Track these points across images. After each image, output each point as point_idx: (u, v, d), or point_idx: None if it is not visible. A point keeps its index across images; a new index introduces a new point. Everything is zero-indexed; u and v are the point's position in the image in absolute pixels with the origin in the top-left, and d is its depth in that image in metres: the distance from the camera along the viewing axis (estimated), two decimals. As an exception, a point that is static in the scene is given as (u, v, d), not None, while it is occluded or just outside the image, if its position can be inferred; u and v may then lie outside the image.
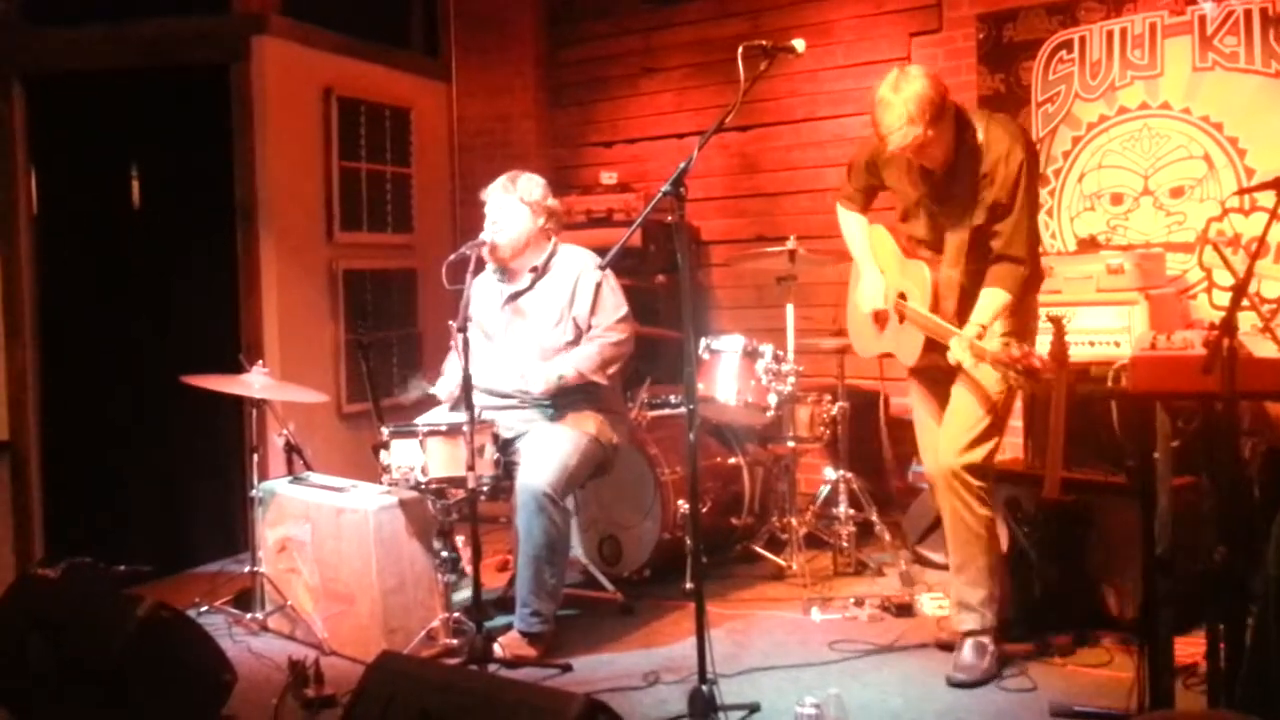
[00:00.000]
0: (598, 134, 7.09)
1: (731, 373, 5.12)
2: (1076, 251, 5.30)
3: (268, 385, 4.69)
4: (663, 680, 3.94)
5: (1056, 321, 4.16)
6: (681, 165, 3.46)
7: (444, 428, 4.15)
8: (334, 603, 4.35)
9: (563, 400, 4.37)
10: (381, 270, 6.65)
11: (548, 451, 4.25)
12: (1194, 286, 5.12)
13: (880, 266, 4.11)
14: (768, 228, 6.34)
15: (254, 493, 4.69)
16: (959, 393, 3.89)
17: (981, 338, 3.60)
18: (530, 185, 4.47)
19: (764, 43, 3.57)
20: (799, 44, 3.58)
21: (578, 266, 4.46)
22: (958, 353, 3.61)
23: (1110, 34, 5.33)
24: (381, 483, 4.29)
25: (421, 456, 4.11)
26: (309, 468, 4.80)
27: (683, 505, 4.92)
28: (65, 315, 6.04)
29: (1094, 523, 4.15)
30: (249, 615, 4.63)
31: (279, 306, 5.97)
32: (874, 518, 5.33)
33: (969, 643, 3.88)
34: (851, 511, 5.27)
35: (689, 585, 4.78)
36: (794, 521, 5.21)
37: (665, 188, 3.46)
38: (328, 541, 4.37)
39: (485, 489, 4.16)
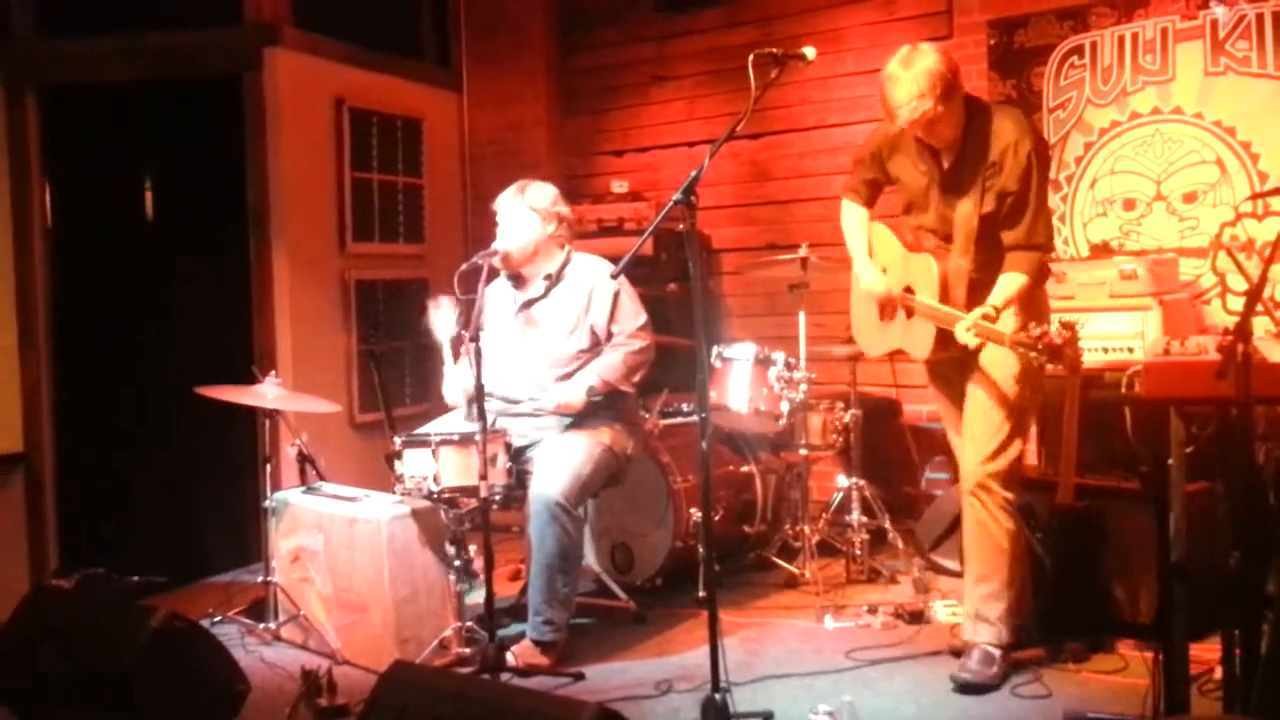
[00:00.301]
0: (609, 143, 7.10)
1: (744, 381, 5.11)
2: (1089, 257, 5.29)
3: (280, 395, 4.70)
4: (676, 689, 3.93)
5: (1070, 327, 4.16)
6: (693, 173, 3.46)
7: (456, 437, 4.16)
8: (347, 612, 4.36)
9: (583, 410, 4.37)
10: (394, 280, 6.66)
11: (561, 460, 4.25)
12: (1207, 292, 5.10)
13: (883, 264, 4.08)
14: (779, 235, 6.33)
15: (267, 503, 4.70)
16: (976, 396, 3.87)
17: (994, 320, 3.57)
18: (539, 192, 4.49)
19: (775, 50, 3.59)
20: (810, 51, 3.59)
21: (593, 275, 4.46)
22: (961, 336, 3.59)
23: (1121, 39, 5.32)
24: (394, 492, 4.29)
25: (434, 466, 4.12)
26: (322, 477, 4.81)
27: (695, 513, 4.91)
28: (79, 326, 6.06)
29: (1108, 529, 4.13)
30: (262, 625, 4.64)
31: (291, 317, 5.98)
32: (887, 525, 5.33)
33: (978, 651, 3.86)
34: (864, 519, 5.26)
35: (702, 593, 4.77)
36: (807, 529, 5.20)
37: (676, 196, 3.46)
38: (341, 551, 4.37)
39: (498, 498, 4.17)
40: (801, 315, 5.25)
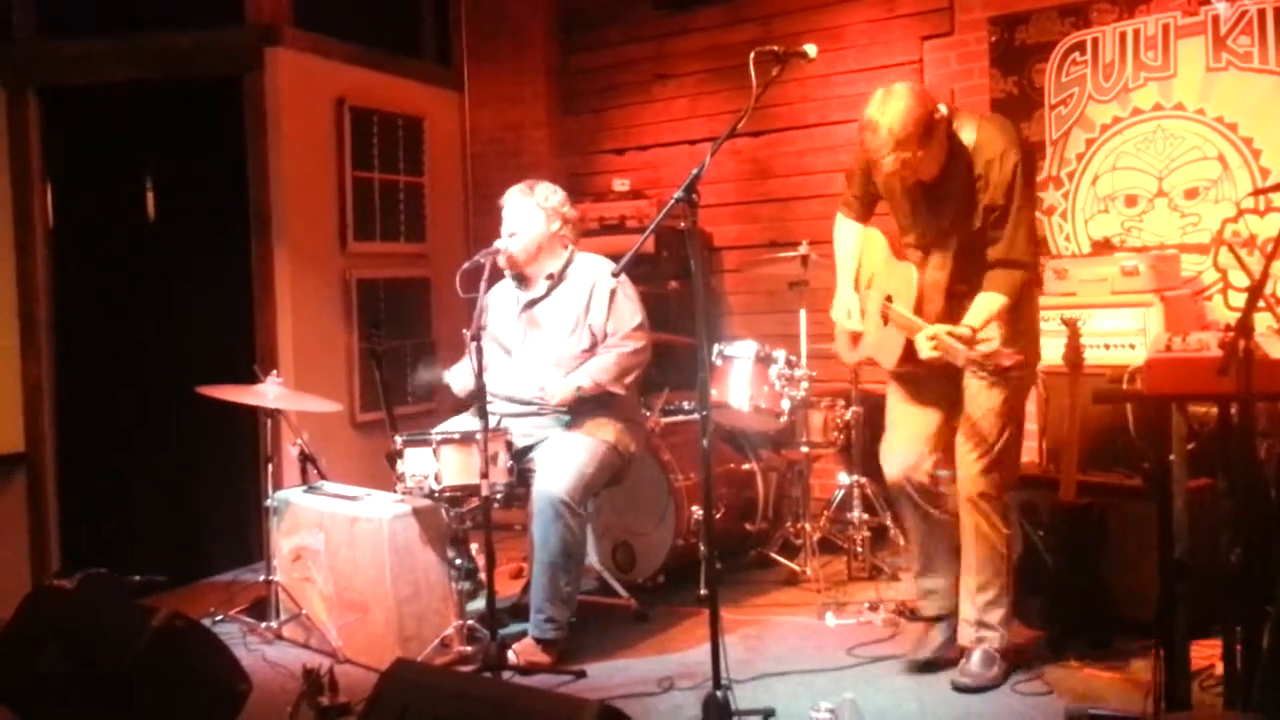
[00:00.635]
0: (610, 141, 7.10)
1: (744, 378, 5.11)
2: (1091, 254, 5.29)
3: (282, 395, 4.70)
4: (677, 686, 3.94)
5: (1071, 325, 4.16)
6: (694, 171, 3.46)
7: (457, 436, 4.16)
8: (348, 611, 4.36)
9: (581, 408, 4.37)
10: (395, 279, 6.66)
11: (565, 459, 4.25)
12: (1209, 288, 5.10)
13: (870, 270, 4.04)
14: (780, 233, 6.33)
15: (268, 502, 4.70)
16: (968, 406, 3.82)
17: (972, 340, 3.48)
18: (547, 191, 4.50)
19: (776, 48, 3.57)
20: (811, 49, 3.58)
21: (594, 274, 4.47)
22: (919, 344, 3.55)
23: (1123, 35, 5.31)
24: (396, 491, 4.30)
25: (435, 465, 4.12)
26: (323, 477, 4.81)
27: (696, 511, 4.91)
28: (80, 326, 6.07)
29: (1110, 526, 4.13)
30: (264, 624, 4.64)
31: (293, 316, 5.99)
32: (888, 522, 5.34)
33: (979, 651, 3.85)
34: (865, 516, 5.26)
35: (703, 591, 4.77)
36: (808, 527, 5.20)
37: (678, 194, 3.46)
38: (342, 550, 4.37)
39: (499, 497, 4.17)
40: (803, 313, 5.25)
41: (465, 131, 7.32)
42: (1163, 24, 5.20)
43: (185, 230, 6.10)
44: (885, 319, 3.91)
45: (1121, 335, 4.61)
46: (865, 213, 4.10)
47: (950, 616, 3.98)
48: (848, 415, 5.26)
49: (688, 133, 6.75)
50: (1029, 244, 3.70)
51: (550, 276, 4.49)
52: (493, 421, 4.11)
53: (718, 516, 5.04)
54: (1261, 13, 4.95)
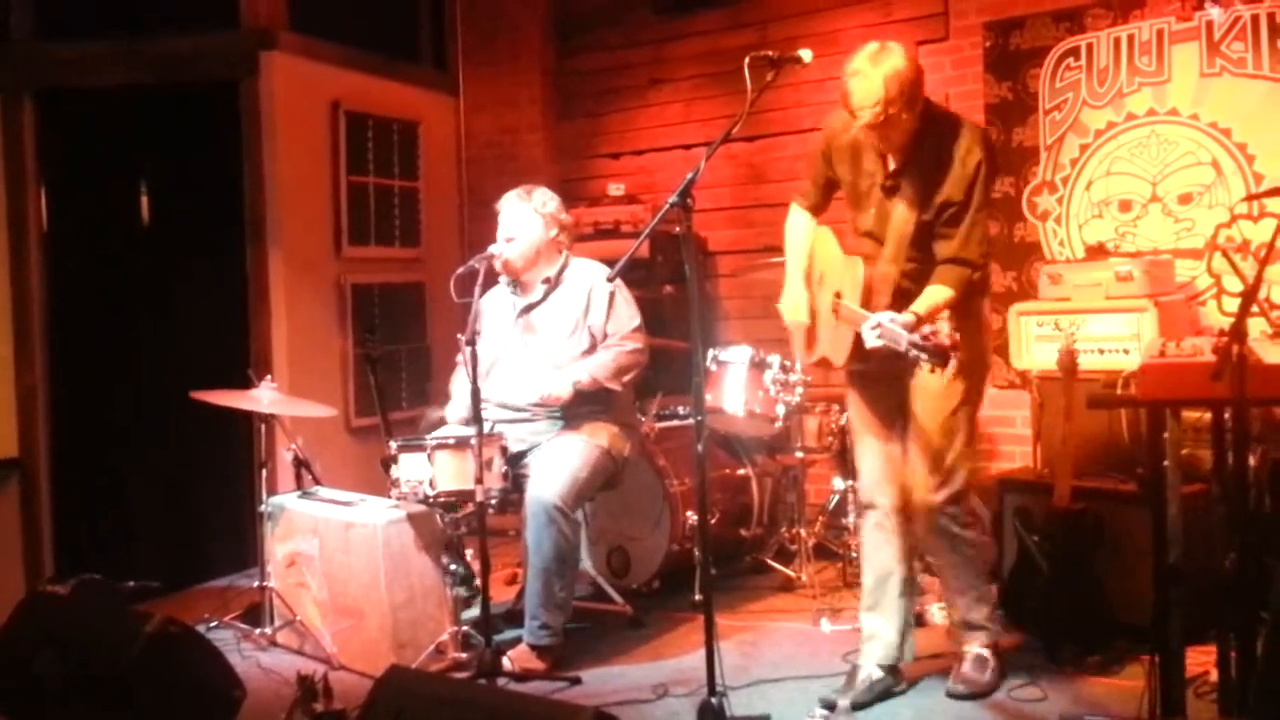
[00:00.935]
0: (605, 145, 7.10)
1: (739, 384, 5.11)
2: (1085, 259, 5.29)
3: (276, 400, 4.69)
4: (672, 693, 3.93)
5: (1067, 348, 4.13)
6: (689, 176, 3.45)
7: (452, 441, 4.15)
8: (343, 617, 4.35)
9: (577, 411, 4.37)
10: (390, 284, 6.66)
11: (558, 463, 4.25)
12: (1203, 293, 5.10)
13: (821, 268, 3.92)
14: (775, 238, 6.20)
15: (263, 507, 4.69)
16: (916, 424, 3.73)
17: (916, 326, 3.33)
18: (545, 197, 4.51)
19: (771, 53, 3.57)
20: (806, 54, 3.56)
21: (590, 278, 4.47)
22: (866, 334, 3.37)
23: (1117, 41, 5.32)
24: (390, 497, 4.29)
25: (430, 470, 4.12)
26: (318, 482, 4.80)
27: (691, 517, 4.91)
28: (75, 330, 6.05)
29: (1104, 531, 4.13)
30: (258, 630, 4.63)
31: (287, 321, 5.98)
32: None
33: (971, 656, 3.83)
34: (860, 521, 5.24)
35: (698, 597, 4.76)
36: (803, 532, 5.20)
37: (673, 199, 3.45)
38: (336, 556, 4.37)
39: (494, 502, 4.16)
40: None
41: (460, 136, 7.31)
42: (1157, 29, 5.21)
43: (180, 234, 6.09)
44: (836, 315, 3.79)
45: (1116, 340, 4.61)
46: (821, 203, 3.98)
47: (886, 674, 3.83)
48: (842, 420, 5.24)
49: (683, 137, 6.75)
50: (981, 245, 3.65)
51: (546, 281, 4.50)
52: (487, 427, 4.10)
53: (712, 522, 5.04)
54: (1255, 18, 4.96)
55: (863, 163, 3.73)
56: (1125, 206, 5.35)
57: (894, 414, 3.82)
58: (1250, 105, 4.99)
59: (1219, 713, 3.26)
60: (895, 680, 3.85)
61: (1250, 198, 4.95)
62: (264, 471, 4.77)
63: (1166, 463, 3.27)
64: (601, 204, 6.63)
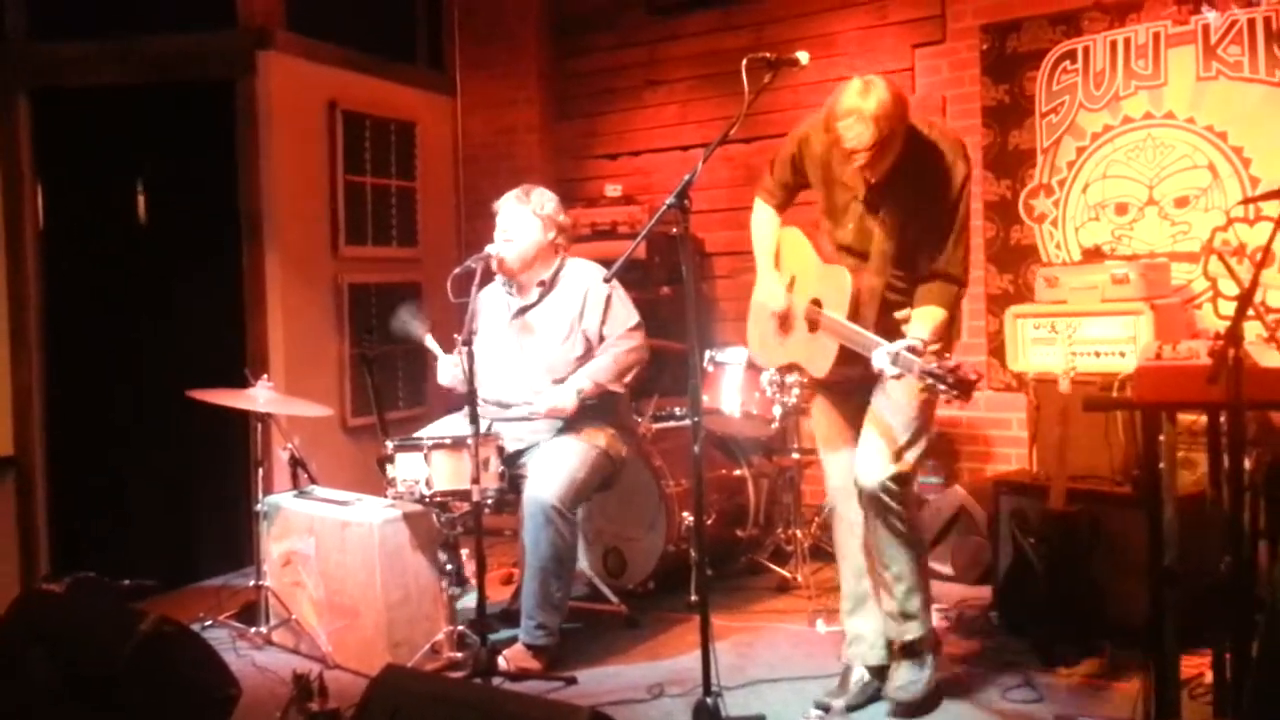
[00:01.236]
0: (602, 146, 7.10)
1: (736, 385, 5.12)
2: (1081, 261, 5.29)
3: (272, 399, 4.69)
4: (667, 693, 3.94)
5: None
6: (686, 177, 3.45)
7: (449, 441, 4.15)
8: (338, 616, 4.35)
9: (575, 413, 4.37)
10: (386, 284, 6.65)
11: (556, 464, 4.25)
12: (1199, 296, 5.11)
13: (793, 271, 3.87)
14: (772, 239, 6.31)
15: (259, 507, 4.69)
16: (877, 405, 3.67)
17: (922, 354, 3.28)
18: (543, 199, 4.50)
19: (768, 55, 3.57)
20: (803, 56, 3.56)
21: (586, 280, 4.47)
22: (881, 363, 3.31)
23: (1114, 44, 5.33)
24: (386, 496, 4.29)
25: (426, 469, 4.11)
26: (314, 481, 4.80)
27: (687, 517, 4.92)
28: (71, 329, 6.05)
29: (1099, 533, 4.14)
30: (253, 629, 4.63)
31: (284, 320, 5.98)
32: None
33: (905, 663, 3.72)
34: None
35: (694, 598, 4.76)
36: (799, 533, 5.21)
37: (670, 200, 3.45)
38: (332, 555, 4.37)
39: (490, 502, 4.16)
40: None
41: (457, 136, 7.31)
42: (1153, 33, 5.22)
43: (177, 234, 6.08)
44: (812, 324, 3.72)
45: (1112, 343, 4.61)
46: (786, 201, 3.96)
47: (874, 676, 3.83)
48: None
49: (680, 139, 6.76)
50: (966, 259, 3.62)
51: (542, 283, 4.49)
52: (483, 426, 4.10)
53: (709, 523, 5.04)
54: (1252, 22, 4.97)
55: (838, 175, 3.67)
56: (1122, 209, 5.35)
57: (860, 417, 3.76)
58: (1247, 109, 5.00)
59: (1214, 715, 3.26)
60: (883, 681, 3.83)
61: (1246, 201, 4.95)
62: (260, 470, 4.77)
63: (1162, 465, 3.27)
64: (598, 205, 6.63)
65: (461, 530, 4.34)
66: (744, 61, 3.52)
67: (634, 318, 4.49)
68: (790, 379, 5.08)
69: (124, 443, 6.04)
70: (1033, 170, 5.56)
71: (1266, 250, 3.18)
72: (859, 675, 3.83)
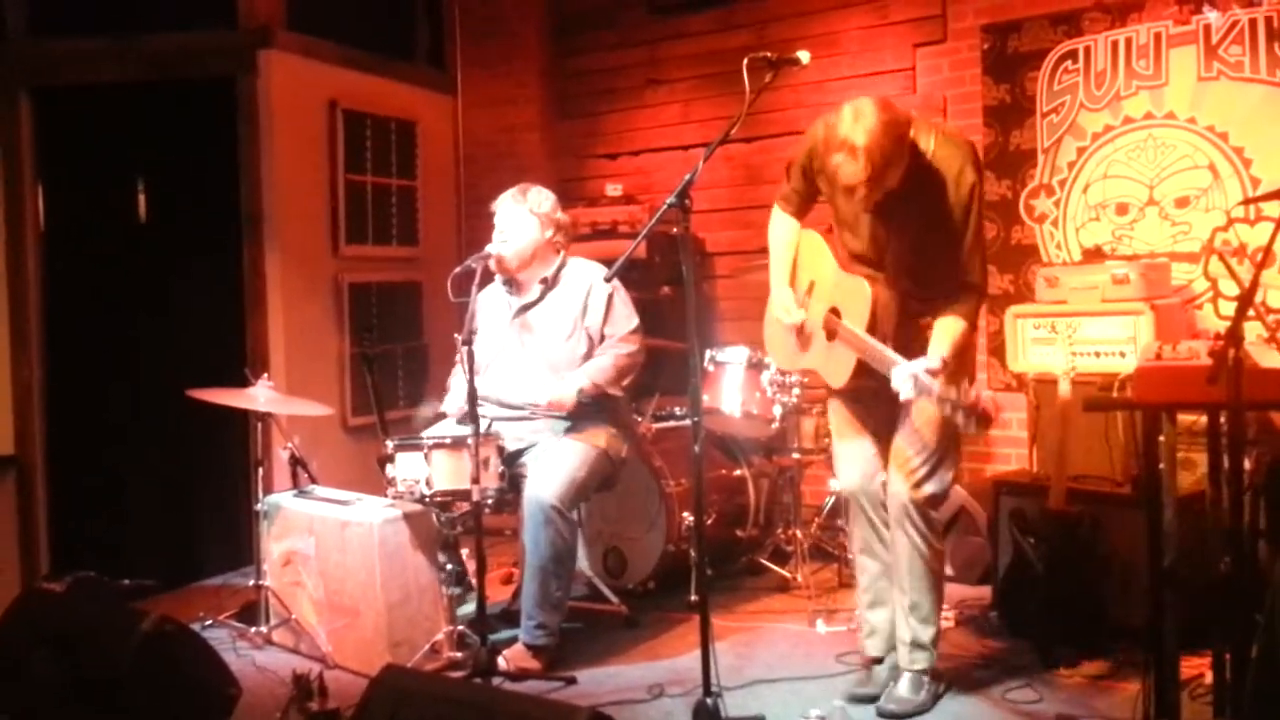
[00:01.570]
0: (603, 146, 7.10)
1: (736, 384, 5.12)
2: (1082, 262, 5.28)
3: (273, 398, 4.69)
4: (667, 693, 3.94)
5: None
6: (687, 177, 3.45)
7: (449, 440, 4.15)
8: (338, 616, 4.35)
9: (574, 412, 4.36)
10: (387, 283, 6.65)
11: (556, 464, 4.25)
12: (1199, 296, 5.11)
13: (812, 277, 3.87)
14: (773, 239, 6.31)
15: (259, 506, 4.69)
16: (904, 420, 3.67)
17: (942, 372, 3.30)
18: (540, 197, 4.49)
19: (769, 54, 3.57)
20: (804, 55, 3.56)
21: (588, 279, 4.47)
22: (899, 383, 3.30)
23: (1115, 44, 5.33)
24: (386, 496, 4.29)
25: (426, 469, 4.11)
26: (314, 481, 4.80)
27: (687, 517, 4.92)
28: (71, 328, 6.04)
29: (1100, 534, 4.14)
30: (253, 629, 4.63)
31: (284, 319, 5.97)
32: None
33: (907, 677, 3.74)
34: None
35: (693, 597, 4.76)
36: (799, 533, 5.21)
37: (670, 199, 3.45)
38: (332, 555, 4.37)
39: (490, 502, 4.16)
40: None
41: (458, 135, 7.31)
42: (1154, 33, 5.22)
43: (177, 232, 6.08)
44: (830, 334, 3.72)
45: (1112, 343, 4.61)
46: (804, 208, 3.96)
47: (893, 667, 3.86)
48: (839, 421, 5.26)
49: (680, 138, 6.75)
50: (983, 265, 3.62)
51: (543, 281, 4.49)
52: (484, 425, 4.10)
53: (709, 523, 5.04)
54: (1253, 22, 4.97)
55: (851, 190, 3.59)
56: (1122, 209, 5.35)
57: (885, 421, 3.76)
58: (1247, 109, 5.00)
59: (1214, 715, 3.26)
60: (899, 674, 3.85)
61: (1247, 201, 4.95)
62: (260, 470, 4.77)
63: (1162, 466, 3.27)
64: (599, 204, 6.63)
65: (461, 530, 4.35)
66: (745, 61, 3.52)
67: (634, 320, 4.49)
68: (792, 379, 5.10)
69: (124, 442, 6.04)
70: (1033, 170, 5.56)
71: (1267, 250, 3.18)
72: (884, 665, 3.87)
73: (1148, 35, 5.24)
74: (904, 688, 3.74)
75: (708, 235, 6.64)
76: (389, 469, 4.18)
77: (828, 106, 6.12)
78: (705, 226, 6.58)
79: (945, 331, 3.49)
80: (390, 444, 4.19)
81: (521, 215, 4.45)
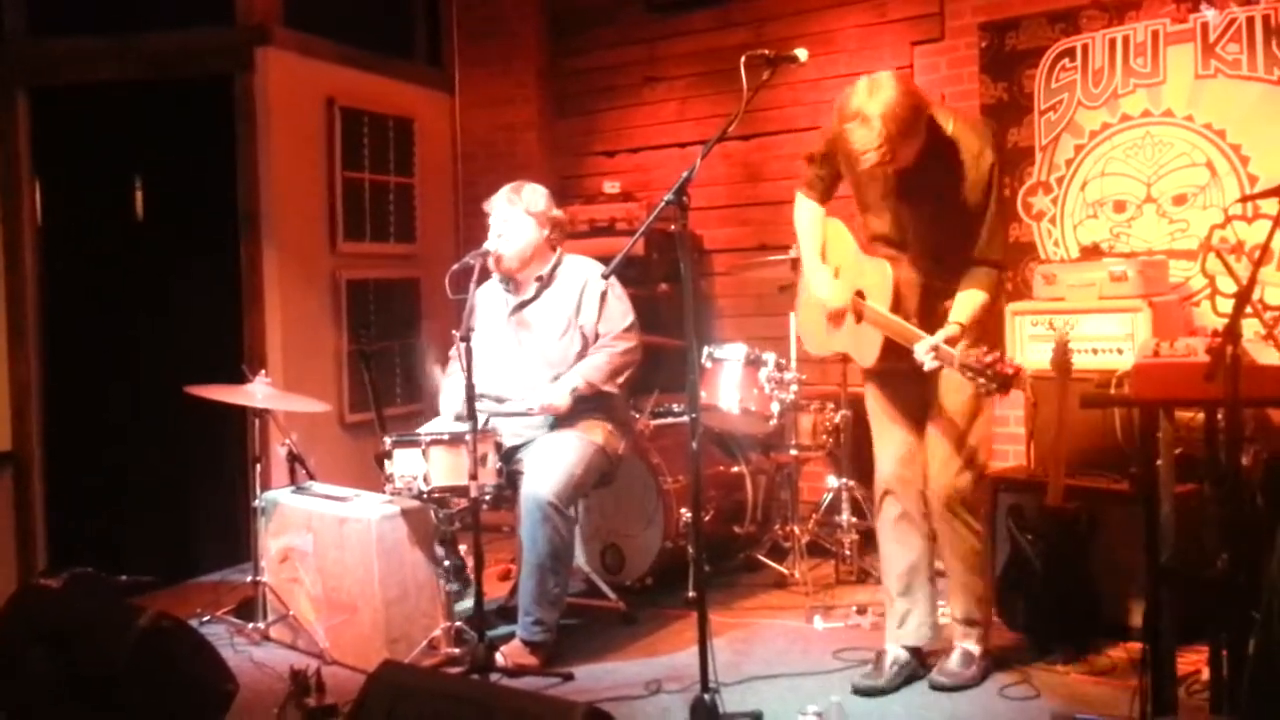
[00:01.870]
0: (601, 143, 7.10)
1: (734, 381, 5.12)
2: (1079, 259, 5.29)
3: (270, 395, 4.69)
4: (665, 689, 3.93)
5: (1061, 343, 4.14)
6: (684, 174, 3.46)
7: (446, 437, 4.15)
8: (336, 612, 4.35)
9: (571, 409, 4.36)
10: (384, 280, 6.65)
11: (553, 460, 4.25)
12: (1197, 294, 5.11)
13: (836, 263, 3.96)
14: (770, 236, 6.33)
15: (257, 502, 4.69)
16: (939, 409, 3.78)
17: (960, 338, 3.47)
18: (534, 196, 4.47)
19: (767, 52, 3.57)
20: (801, 53, 3.57)
21: (583, 276, 4.46)
22: (922, 356, 3.48)
23: (1112, 42, 5.33)
24: (384, 492, 4.29)
25: (424, 465, 4.11)
26: (311, 477, 4.80)
27: (685, 514, 4.92)
28: (69, 325, 6.05)
29: (1097, 530, 4.14)
30: (251, 625, 4.63)
31: (282, 316, 5.97)
32: (876, 525, 5.33)
33: (959, 651, 3.87)
34: (854, 519, 5.27)
35: (691, 594, 4.76)
36: (796, 530, 5.21)
37: (668, 197, 3.46)
38: (330, 551, 4.37)
39: (488, 498, 4.16)
40: (792, 316, 5.24)
41: (456, 132, 7.31)
42: (1152, 31, 5.22)
43: (175, 230, 6.08)
44: (858, 315, 3.84)
45: (1109, 340, 4.62)
46: (827, 193, 4.02)
47: (912, 656, 3.93)
48: (836, 418, 5.27)
49: (678, 136, 6.75)
50: (1004, 243, 3.73)
51: (539, 279, 4.49)
52: (481, 421, 4.10)
53: (706, 519, 5.04)
54: (1250, 20, 4.97)
55: (874, 167, 3.65)
56: (1120, 207, 5.36)
57: (918, 406, 3.87)
58: (1245, 106, 5.00)
59: (1210, 711, 3.27)
60: (920, 663, 3.91)
61: (1245, 199, 4.95)
62: (258, 466, 4.77)
63: (1159, 462, 3.27)
64: (597, 201, 6.63)
65: (459, 526, 4.35)
66: (743, 58, 3.52)
67: (629, 317, 4.48)
68: (789, 375, 5.11)
69: (122, 438, 6.04)
70: (1031, 168, 5.56)
71: (1264, 248, 3.19)
72: (894, 657, 3.91)
73: (1145, 33, 5.24)
74: (956, 662, 3.84)
75: (705, 232, 6.64)
76: (387, 465, 4.18)
77: (825, 105, 6.10)
78: (703, 224, 6.58)
79: (964, 303, 3.60)
80: (388, 440, 4.19)
81: (517, 215, 4.44)
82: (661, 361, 5.38)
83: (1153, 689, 3.22)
